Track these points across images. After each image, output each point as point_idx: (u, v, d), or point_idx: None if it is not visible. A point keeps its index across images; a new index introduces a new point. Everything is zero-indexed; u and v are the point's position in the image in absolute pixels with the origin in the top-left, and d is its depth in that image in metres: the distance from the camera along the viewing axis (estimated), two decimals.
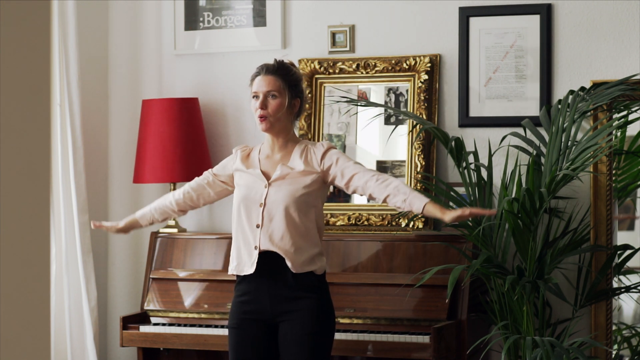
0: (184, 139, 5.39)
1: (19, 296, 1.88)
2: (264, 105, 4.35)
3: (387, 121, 5.23)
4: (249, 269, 4.31)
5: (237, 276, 4.39)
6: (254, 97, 4.40)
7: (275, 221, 4.30)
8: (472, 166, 4.83)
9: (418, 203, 4.19)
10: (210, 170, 4.61)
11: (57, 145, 5.33)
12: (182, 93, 5.60)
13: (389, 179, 4.27)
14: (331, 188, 5.24)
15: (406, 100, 5.21)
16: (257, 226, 4.31)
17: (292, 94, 4.39)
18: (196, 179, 4.62)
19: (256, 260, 4.29)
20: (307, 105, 5.29)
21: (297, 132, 4.53)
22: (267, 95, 4.36)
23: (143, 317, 5.23)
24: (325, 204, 5.23)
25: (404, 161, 5.17)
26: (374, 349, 4.70)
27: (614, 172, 4.98)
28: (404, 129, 5.16)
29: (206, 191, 4.58)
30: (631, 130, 5.17)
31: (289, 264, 4.26)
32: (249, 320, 4.33)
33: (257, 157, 4.45)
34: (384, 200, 4.26)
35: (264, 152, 4.46)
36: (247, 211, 4.35)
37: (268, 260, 4.29)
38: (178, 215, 4.66)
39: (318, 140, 5.28)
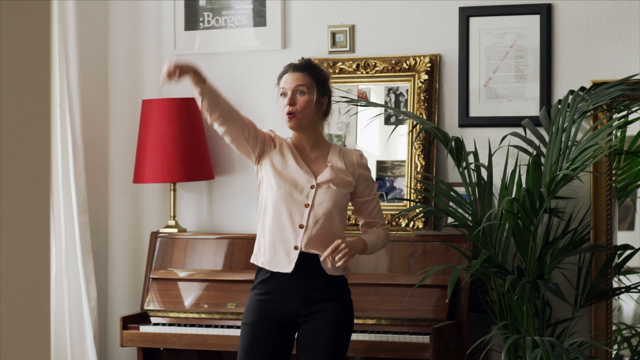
0: (184, 139, 5.39)
1: (19, 296, 1.88)
2: (292, 102, 4.34)
3: (387, 121, 5.23)
4: (286, 267, 4.25)
5: (262, 272, 4.30)
6: (281, 94, 4.38)
7: (320, 224, 4.28)
8: (472, 166, 4.83)
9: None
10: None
11: (57, 145, 5.33)
12: (182, 93, 5.60)
13: (376, 228, 4.42)
14: None
15: (406, 100, 5.21)
16: (301, 226, 4.28)
17: (320, 91, 4.36)
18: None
19: (295, 260, 4.26)
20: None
21: (325, 134, 4.51)
22: (295, 91, 4.34)
23: (143, 317, 5.23)
24: None
25: (404, 161, 5.17)
26: (374, 349, 4.70)
27: (614, 172, 4.98)
28: (404, 129, 5.15)
29: (244, 125, 4.28)
30: (631, 130, 5.17)
31: (325, 265, 4.26)
32: (268, 320, 4.27)
33: (297, 155, 4.37)
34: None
35: (299, 149, 4.39)
36: (290, 210, 4.28)
37: (305, 262, 4.26)
38: (218, 114, 4.22)
39: None
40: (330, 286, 4.26)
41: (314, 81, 4.35)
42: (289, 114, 4.31)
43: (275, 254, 4.28)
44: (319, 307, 4.25)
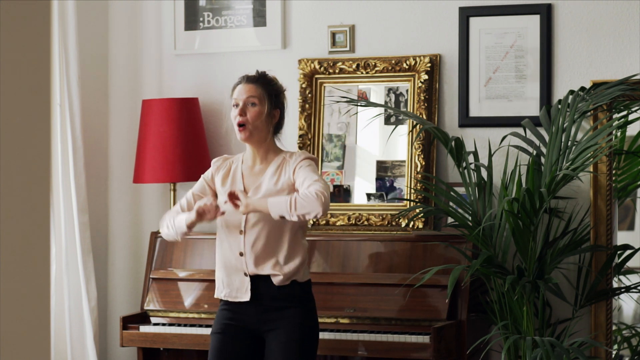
0: (184, 139, 5.39)
1: (19, 296, 1.88)
2: (243, 112, 4.35)
3: (387, 121, 5.23)
4: (244, 295, 4.31)
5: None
6: (234, 105, 4.40)
7: (256, 245, 4.29)
8: (472, 166, 4.83)
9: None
10: (191, 192, 4.48)
11: (57, 145, 5.33)
12: (182, 93, 5.60)
13: (305, 192, 4.17)
14: (331, 187, 5.24)
15: (406, 100, 5.21)
16: (241, 254, 4.30)
17: (272, 104, 4.37)
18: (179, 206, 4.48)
19: (249, 287, 4.30)
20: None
21: (280, 145, 4.47)
22: (247, 103, 4.36)
23: (143, 317, 5.23)
24: None
25: (404, 161, 5.17)
26: (374, 349, 4.70)
27: (614, 172, 4.98)
28: (404, 129, 5.15)
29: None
30: (631, 130, 5.18)
31: (274, 280, 4.27)
32: (232, 326, 4.33)
33: (240, 171, 4.42)
34: None
35: (246, 163, 4.43)
36: (229, 238, 4.34)
37: (257, 283, 4.30)
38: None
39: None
40: (282, 294, 4.27)
41: (266, 93, 4.36)
42: (240, 125, 4.34)
43: (233, 285, 4.33)
44: (278, 315, 4.26)
